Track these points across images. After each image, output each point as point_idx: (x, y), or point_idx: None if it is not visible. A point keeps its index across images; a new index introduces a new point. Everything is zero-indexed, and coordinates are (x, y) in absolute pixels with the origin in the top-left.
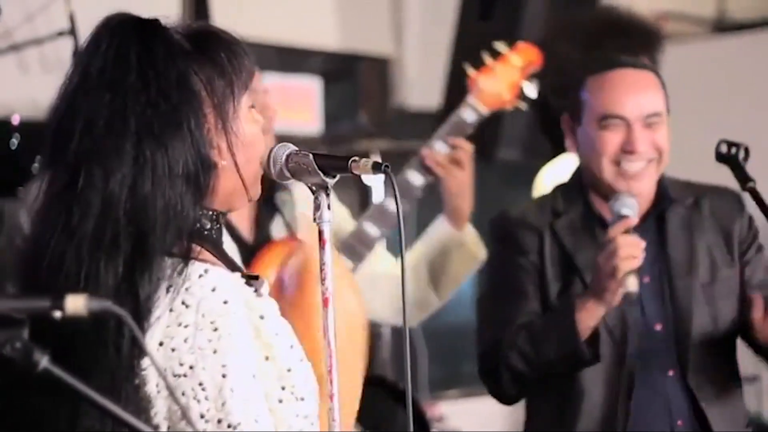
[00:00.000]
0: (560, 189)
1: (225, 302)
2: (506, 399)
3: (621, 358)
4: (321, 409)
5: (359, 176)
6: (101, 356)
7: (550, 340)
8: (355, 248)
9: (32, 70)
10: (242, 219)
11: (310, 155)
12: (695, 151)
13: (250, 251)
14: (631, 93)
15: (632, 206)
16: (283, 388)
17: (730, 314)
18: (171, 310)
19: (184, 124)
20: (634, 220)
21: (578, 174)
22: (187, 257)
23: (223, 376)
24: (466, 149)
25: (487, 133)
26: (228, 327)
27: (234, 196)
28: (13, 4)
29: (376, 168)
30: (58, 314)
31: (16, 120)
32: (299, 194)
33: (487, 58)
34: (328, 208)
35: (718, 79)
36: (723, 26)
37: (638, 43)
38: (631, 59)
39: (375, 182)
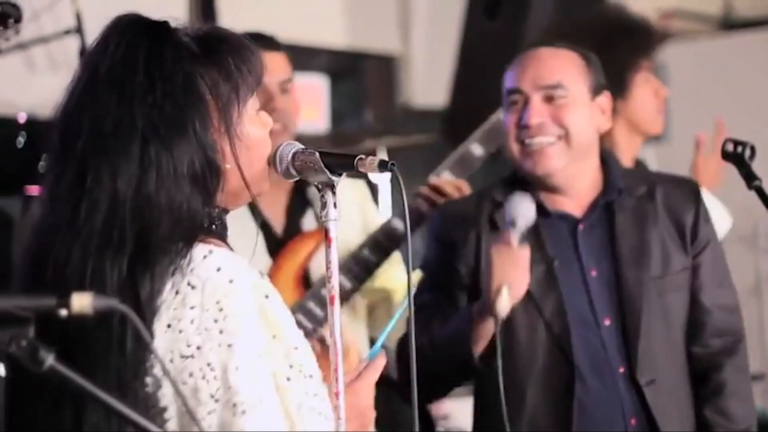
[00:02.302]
0: (501, 180)
1: (230, 281)
2: (401, 389)
3: (560, 353)
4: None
5: (365, 174)
6: (106, 355)
7: (446, 348)
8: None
9: (39, 68)
10: (275, 212)
11: (317, 153)
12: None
13: (280, 243)
14: (531, 66)
15: (527, 213)
16: (291, 367)
17: (680, 308)
18: (177, 293)
19: (190, 126)
20: (514, 236)
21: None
22: (190, 241)
23: (229, 355)
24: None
25: None
26: (233, 306)
27: (237, 196)
28: (20, 3)
29: (383, 166)
30: (64, 312)
31: (22, 118)
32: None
33: None
34: (335, 206)
35: (725, 77)
36: (729, 24)
37: (637, 42)
38: (550, 40)
39: (381, 180)
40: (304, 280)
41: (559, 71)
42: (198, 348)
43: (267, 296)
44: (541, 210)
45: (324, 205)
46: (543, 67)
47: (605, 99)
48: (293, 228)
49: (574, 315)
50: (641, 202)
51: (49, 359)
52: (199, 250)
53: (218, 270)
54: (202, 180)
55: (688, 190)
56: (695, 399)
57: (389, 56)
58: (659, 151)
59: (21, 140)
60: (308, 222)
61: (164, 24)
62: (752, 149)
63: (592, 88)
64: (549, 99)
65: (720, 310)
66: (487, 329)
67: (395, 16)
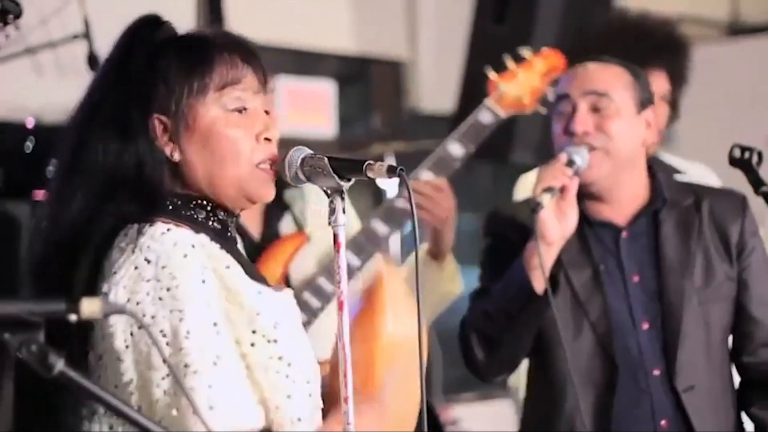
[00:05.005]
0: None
1: (185, 255)
2: (477, 366)
3: (604, 354)
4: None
5: (374, 179)
6: None
7: (503, 286)
8: (363, 246)
9: (47, 73)
10: (251, 216)
11: (325, 158)
12: (709, 155)
13: (258, 248)
14: (580, 76)
15: (584, 157)
16: (254, 332)
17: (722, 318)
18: (135, 268)
19: (136, 108)
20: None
21: None
22: (149, 220)
23: (180, 320)
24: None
25: (500, 136)
26: (186, 276)
27: (223, 190)
28: (28, 7)
29: (391, 171)
30: (73, 317)
31: (30, 123)
32: (310, 190)
33: (510, 63)
34: (343, 211)
35: (732, 83)
36: (737, 29)
37: (654, 47)
38: (604, 57)
39: (389, 185)
40: (285, 285)
41: (606, 82)
42: (152, 317)
43: (228, 267)
44: (586, 220)
45: (333, 211)
46: (591, 76)
47: (651, 113)
48: (271, 233)
49: (614, 318)
50: (687, 213)
51: (59, 364)
52: (158, 227)
53: (174, 245)
54: (148, 161)
55: (735, 202)
56: (742, 402)
57: (397, 61)
58: (665, 156)
59: (29, 145)
60: (285, 226)
61: (157, 21)
62: (759, 155)
63: (639, 102)
64: (595, 109)
65: None
66: (533, 256)
67: (403, 20)
